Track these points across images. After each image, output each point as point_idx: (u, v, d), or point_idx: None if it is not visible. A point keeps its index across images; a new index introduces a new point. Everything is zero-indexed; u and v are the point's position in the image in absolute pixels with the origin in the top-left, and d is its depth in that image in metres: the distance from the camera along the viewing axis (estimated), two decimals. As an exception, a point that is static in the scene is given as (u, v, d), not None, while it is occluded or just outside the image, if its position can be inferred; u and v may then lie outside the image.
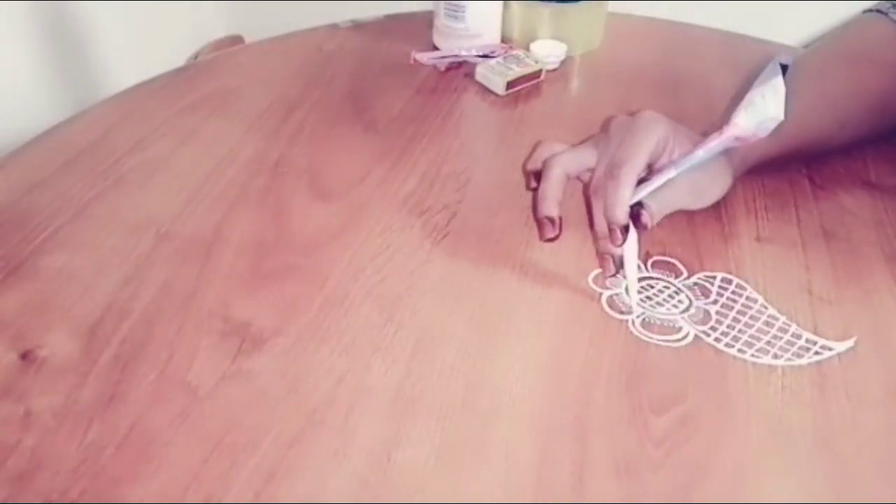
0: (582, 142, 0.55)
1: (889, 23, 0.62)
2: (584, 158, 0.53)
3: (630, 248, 0.49)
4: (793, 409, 0.43)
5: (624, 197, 0.48)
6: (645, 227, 0.48)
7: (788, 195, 0.59)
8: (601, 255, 0.50)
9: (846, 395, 0.44)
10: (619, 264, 0.49)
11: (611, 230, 0.48)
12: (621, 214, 0.48)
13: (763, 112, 0.47)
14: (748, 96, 0.48)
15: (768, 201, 0.59)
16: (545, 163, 0.53)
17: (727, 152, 0.52)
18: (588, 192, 0.54)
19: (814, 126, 0.59)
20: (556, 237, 0.51)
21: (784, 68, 0.48)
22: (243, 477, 0.38)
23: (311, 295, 0.49)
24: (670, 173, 0.49)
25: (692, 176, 0.50)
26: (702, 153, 0.49)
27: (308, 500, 0.38)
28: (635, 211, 0.48)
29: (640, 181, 0.50)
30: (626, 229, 0.48)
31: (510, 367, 0.45)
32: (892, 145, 0.65)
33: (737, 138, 0.48)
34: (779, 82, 0.47)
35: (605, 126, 0.55)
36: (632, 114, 0.53)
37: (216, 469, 0.39)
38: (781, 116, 0.47)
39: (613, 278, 0.51)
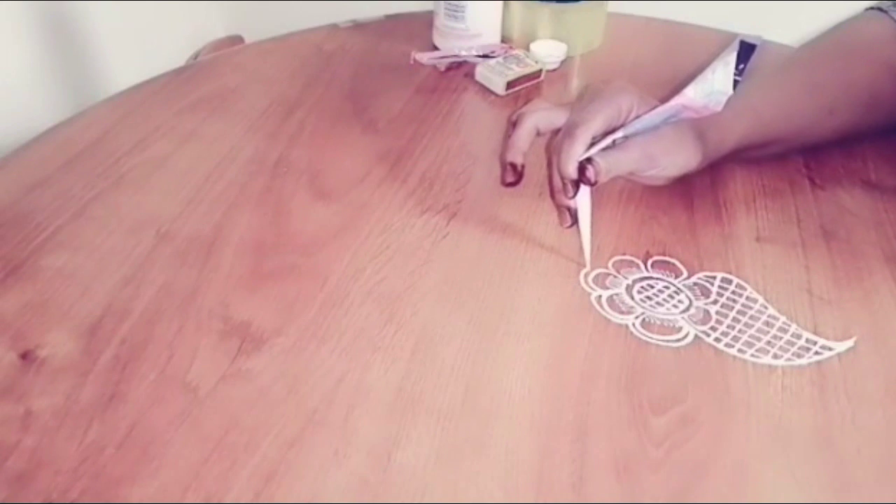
0: (557, 105, 0.58)
1: (888, 21, 0.62)
2: (555, 118, 0.56)
3: (582, 204, 0.52)
4: (793, 409, 0.43)
5: (575, 153, 0.51)
6: (590, 182, 0.51)
7: (788, 195, 0.59)
8: (558, 208, 0.55)
9: (846, 395, 0.44)
10: (575, 218, 0.53)
11: (563, 184, 0.52)
12: (571, 169, 0.51)
13: (711, 85, 0.50)
14: (703, 71, 0.51)
15: (768, 201, 0.59)
16: (519, 114, 0.56)
17: (700, 133, 0.55)
18: (547, 149, 0.58)
19: (800, 111, 0.60)
20: (516, 183, 0.55)
21: (751, 48, 0.49)
22: (243, 477, 0.38)
23: (311, 295, 0.49)
24: (617, 134, 0.52)
25: (644, 141, 0.53)
26: (647, 118, 0.52)
27: (308, 500, 0.38)
28: (583, 166, 0.51)
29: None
30: (575, 184, 0.51)
31: (510, 367, 0.45)
32: (892, 145, 0.65)
33: (684, 107, 0.51)
34: (731, 58, 0.50)
35: (582, 92, 0.58)
36: (606, 81, 0.56)
37: (216, 469, 0.39)
38: (730, 90, 0.49)
39: (616, 279, 0.51)
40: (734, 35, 0.85)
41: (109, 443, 0.40)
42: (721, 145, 0.57)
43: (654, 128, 0.53)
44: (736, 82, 0.50)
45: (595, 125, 0.52)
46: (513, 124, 0.56)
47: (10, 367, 0.44)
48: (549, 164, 0.56)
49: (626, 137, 0.52)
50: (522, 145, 0.55)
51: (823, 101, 0.61)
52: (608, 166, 0.51)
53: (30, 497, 0.37)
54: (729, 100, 0.50)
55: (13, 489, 0.37)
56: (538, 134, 0.56)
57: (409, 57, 0.77)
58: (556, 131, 0.56)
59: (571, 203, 0.52)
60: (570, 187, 0.51)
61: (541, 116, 0.56)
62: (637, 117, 0.53)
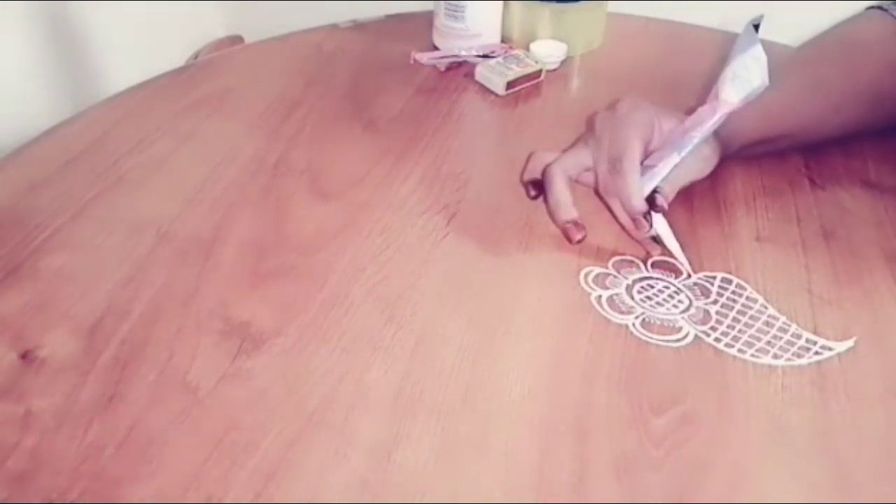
0: (572, 145, 0.57)
1: (889, 19, 0.62)
2: (581, 159, 0.55)
3: (662, 228, 0.52)
4: (793, 409, 0.43)
5: (635, 186, 0.51)
6: (663, 209, 0.51)
7: (788, 195, 0.59)
8: (642, 243, 0.53)
9: (846, 395, 0.44)
10: (661, 243, 0.52)
11: (634, 220, 0.51)
12: (638, 204, 0.50)
13: (749, 83, 0.50)
14: (731, 68, 0.50)
15: (768, 201, 0.59)
16: (545, 171, 0.55)
17: (714, 131, 0.54)
18: (600, 192, 0.56)
19: (806, 109, 0.61)
20: (584, 237, 0.52)
21: (756, 27, 0.50)
22: (243, 477, 0.38)
23: (311, 295, 0.49)
24: (674, 159, 0.52)
25: (692, 154, 0.53)
26: (699, 136, 0.52)
27: (308, 500, 0.38)
28: (650, 196, 0.51)
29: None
30: (648, 215, 0.51)
31: (510, 367, 0.45)
32: (892, 145, 0.65)
33: (730, 113, 0.51)
34: (759, 51, 0.49)
35: (590, 124, 0.57)
36: (611, 106, 0.56)
37: (216, 469, 0.39)
38: (766, 83, 0.49)
39: (616, 279, 0.51)
40: (734, 35, 0.85)
41: (109, 443, 0.40)
42: (731, 141, 0.58)
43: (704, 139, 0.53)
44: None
45: (637, 152, 0.52)
46: (531, 184, 0.55)
47: (10, 367, 0.44)
48: (610, 206, 0.55)
49: (681, 157, 0.52)
50: (568, 198, 0.53)
51: (829, 100, 0.61)
52: (671, 186, 0.52)
53: (30, 497, 0.37)
54: None
55: (13, 489, 0.37)
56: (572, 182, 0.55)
57: (409, 57, 0.77)
58: (586, 170, 0.55)
59: (651, 233, 0.52)
60: (642, 221, 0.51)
61: (566, 163, 0.55)
62: (664, 129, 0.53)
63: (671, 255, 0.52)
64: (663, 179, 0.52)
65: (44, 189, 0.57)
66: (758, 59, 0.49)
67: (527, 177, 0.57)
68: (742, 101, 0.50)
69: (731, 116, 0.53)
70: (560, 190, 0.53)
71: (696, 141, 0.51)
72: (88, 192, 0.57)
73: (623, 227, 0.54)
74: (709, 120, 0.51)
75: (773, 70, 0.57)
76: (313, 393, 0.43)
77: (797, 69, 0.63)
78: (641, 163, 0.52)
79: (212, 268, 0.51)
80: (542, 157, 0.56)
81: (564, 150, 0.56)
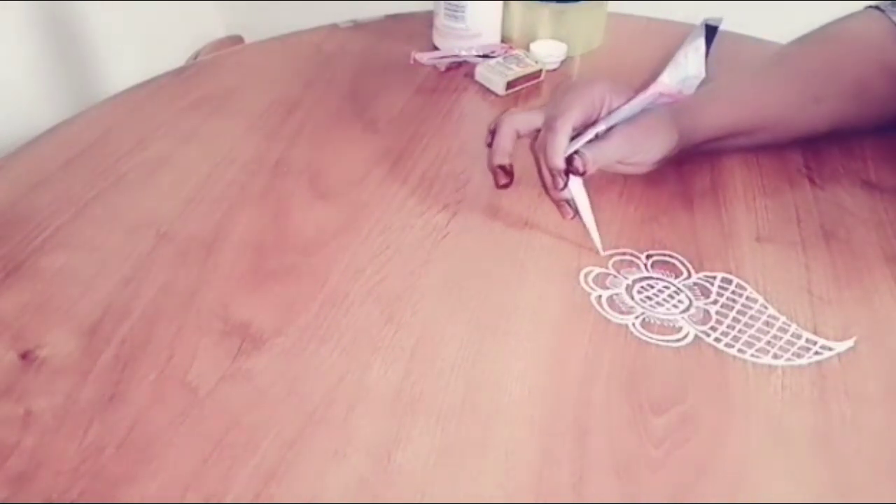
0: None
1: (885, 20, 0.62)
2: (533, 119, 0.58)
3: (578, 194, 0.53)
4: (793, 409, 0.43)
5: (558, 144, 0.53)
6: (579, 172, 0.52)
7: (788, 195, 0.59)
8: (556, 203, 0.57)
9: (846, 395, 0.44)
10: (575, 209, 0.55)
11: (553, 177, 0.53)
12: (557, 161, 0.53)
13: (685, 70, 0.52)
14: (674, 57, 0.52)
15: (768, 201, 0.59)
16: (497, 120, 0.58)
17: (674, 115, 0.57)
18: (533, 148, 0.59)
19: (784, 98, 0.61)
20: (509, 184, 0.57)
21: (714, 29, 0.52)
22: (243, 477, 0.38)
23: (311, 295, 0.49)
24: (599, 127, 0.54)
25: (624, 128, 0.54)
26: (627, 108, 0.53)
27: (308, 500, 0.38)
28: (570, 159, 0.52)
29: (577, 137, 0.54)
30: (565, 175, 0.53)
31: (510, 368, 0.45)
32: (892, 145, 0.65)
33: (661, 94, 0.52)
34: (700, 43, 0.52)
35: (555, 91, 0.59)
36: (579, 80, 0.59)
37: (216, 469, 0.39)
38: (703, 74, 0.52)
39: (616, 279, 0.51)
40: (734, 35, 0.85)
41: (109, 443, 0.40)
42: (694, 128, 0.58)
43: (634, 116, 0.54)
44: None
45: (573, 115, 0.54)
46: (491, 132, 0.58)
47: (10, 367, 0.44)
48: (538, 162, 0.57)
49: (608, 129, 0.54)
50: (506, 146, 0.57)
51: (807, 89, 0.61)
52: (594, 156, 0.53)
53: (30, 497, 0.37)
54: (703, 85, 0.52)
55: (13, 489, 0.37)
56: (519, 136, 0.58)
57: (409, 57, 0.77)
58: (537, 131, 0.57)
59: (565, 194, 0.54)
60: (559, 179, 0.53)
61: (518, 119, 0.57)
62: (614, 107, 0.55)
63: (587, 230, 0.53)
64: (587, 146, 0.53)
65: (44, 189, 0.57)
66: (697, 51, 0.52)
67: (490, 126, 0.58)
68: (678, 85, 0.52)
69: (696, 107, 0.56)
70: (503, 135, 0.56)
71: (621, 115, 0.53)
72: (88, 192, 0.57)
73: (543, 186, 0.57)
74: (638, 97, 0.53)
75: (753, 63, 0.59)
76: (313, 393, 0.43)
77: (777, 60, 0.64)
78: (579, 132, 0.54)
79: (212, 268, 0.51)
80: (508, 111, 0.59)
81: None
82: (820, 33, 0.65)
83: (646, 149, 0.56)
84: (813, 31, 0.65)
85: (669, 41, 0.84)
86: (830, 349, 0.46)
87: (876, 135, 0.65)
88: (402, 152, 0.63)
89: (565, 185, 0.53)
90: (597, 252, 0.53)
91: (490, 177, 0.61)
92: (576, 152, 0.52)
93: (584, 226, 0.53)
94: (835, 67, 0.62)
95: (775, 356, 0.46)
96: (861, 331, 0.48)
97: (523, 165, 0.60)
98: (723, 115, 0.60)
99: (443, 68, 0.76)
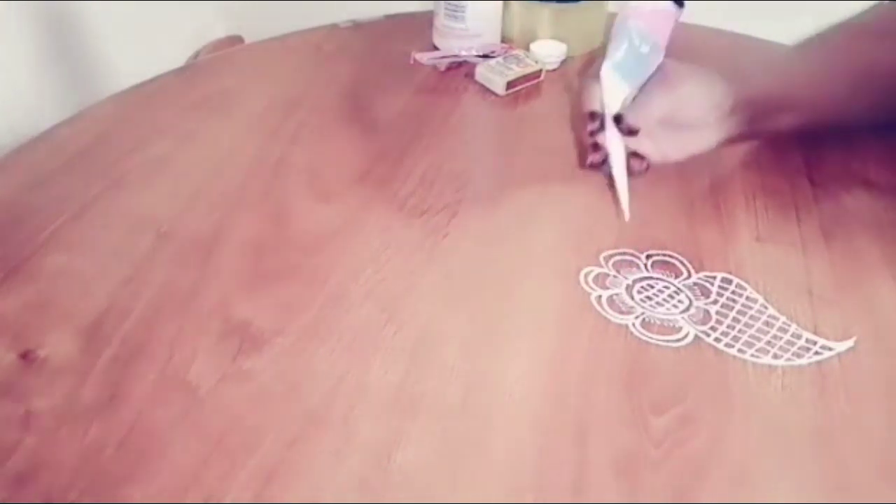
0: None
1: None
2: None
3: (616, 151, 0.56)
4: (793, 409, 0.43)
5: (593, 91, 0.57)
6: (631, 132, 0.55)
7: (788, 195, 0.59)
8: (587, 148, 0.59)
9: (846, 395, 0.44)
10: (608, 168, 0.57)
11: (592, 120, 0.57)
12: (589, 105, 0.57)
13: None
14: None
15: (768, 201, 0.59)
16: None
17: (726, 73, 0.57)
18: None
19: (828, 81, 0.61)
20: (601, 162, 0.58)
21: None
22: (243, 477, 0.38)
23: (311, 295, 0.49)
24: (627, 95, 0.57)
25: (657, 77, 0.57)
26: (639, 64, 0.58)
27: (308, 500, 0.38)
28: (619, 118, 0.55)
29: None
30: (595, 119, 0.56)
31: (510, 368, 0.45)
32: (893, 145, 0.65)
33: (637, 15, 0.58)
34: None
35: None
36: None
37: (216, 469, 0.39)
38: None
39: (616, 279, 0.51)
40: (734, 35, 0.85)
41: (109, 443, 0.40)
42: (746, 88, 0.58)
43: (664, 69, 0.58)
44: None
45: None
46: (592, 148, 0.59)
47: (10, 367, 0.44)
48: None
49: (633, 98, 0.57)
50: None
51: (852, 86, 0.61)
52: (636, 113, 0.55)
53: (30, 497, 0.37)
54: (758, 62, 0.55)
55: (13, 489, 0.37)
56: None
57: (409, 57, 0.77)
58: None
59: (601, 156, 0.57)
60: (591, 124, 0.56)
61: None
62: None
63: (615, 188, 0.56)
64: (638, 106, 0.56)
65: (44, 189, 0.57)
66: None
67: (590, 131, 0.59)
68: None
69: (745, 69, 0.58)
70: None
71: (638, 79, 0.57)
72: (88, 192, 0.57)
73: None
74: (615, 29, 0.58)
75: (800, 46, 0.61)
76: (313, 393, 0.43)
77: (820, 57, 0.63)
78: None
79: (212, 268, 0.51)
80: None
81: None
82: (857, 24, 0.64)
83: (688, 95, 0.56)
84: (849, 21, 0.64)
85: (669, 41, 0.84)
86: (830, 349, 0.46)
87: (876, 135, 0.65)
88: (402, 152, 0.63)
89: (602, 127, 0.56)
90: (623, 217, 0.55)
91: (490, 177, 0.61)
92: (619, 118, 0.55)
93: (616, 187, 0.56)
94: (874, 63, 0.61)
95: (775, 356, 0.46)
96: (861, 331, 0.48)
97: (523, 165, 0.60)
98: (774, 89, 0.59)
99: (443, 68, 0.76)
